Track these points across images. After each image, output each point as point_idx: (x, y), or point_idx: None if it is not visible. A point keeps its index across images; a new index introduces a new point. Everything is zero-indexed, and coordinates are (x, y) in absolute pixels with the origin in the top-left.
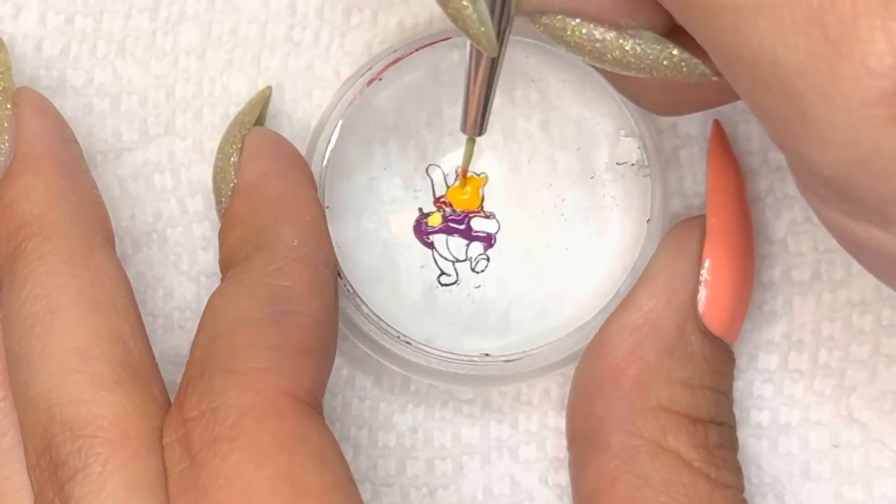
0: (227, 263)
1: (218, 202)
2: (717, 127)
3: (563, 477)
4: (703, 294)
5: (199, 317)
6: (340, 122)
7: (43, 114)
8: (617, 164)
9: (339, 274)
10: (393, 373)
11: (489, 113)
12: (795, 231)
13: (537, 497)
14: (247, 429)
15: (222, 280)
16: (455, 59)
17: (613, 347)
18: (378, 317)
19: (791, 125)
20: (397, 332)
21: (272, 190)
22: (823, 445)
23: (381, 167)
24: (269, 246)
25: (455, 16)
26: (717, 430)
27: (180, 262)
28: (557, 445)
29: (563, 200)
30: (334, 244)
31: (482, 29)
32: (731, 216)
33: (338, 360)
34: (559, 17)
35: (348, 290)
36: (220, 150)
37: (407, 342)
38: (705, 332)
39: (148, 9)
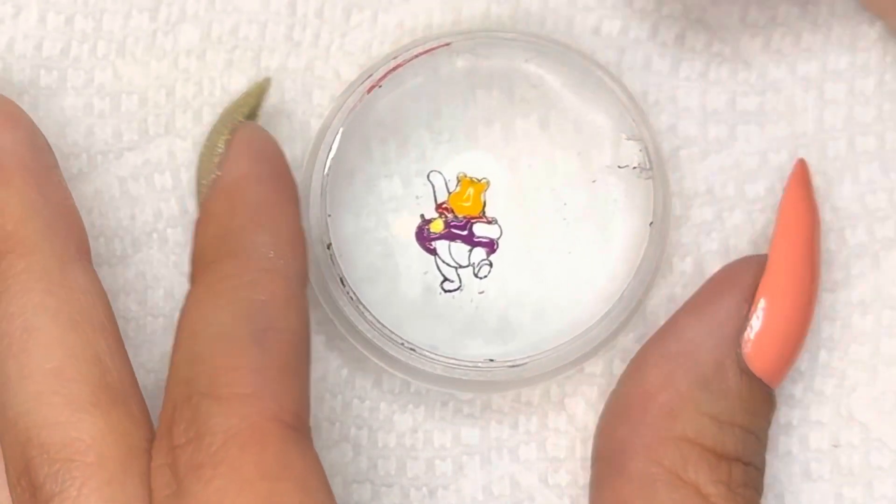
0: (199, 261)
1: (197, 191)
2: (802, 165)
3: (563, 477)
4: (750, 333)
5: None
6: (341, 130)
7: (13, 122)
8: (619, 167)
9: (341, 281)
10: (392, 373)
11: None
12: None
13: (537, 497)
14: (230, 455)
15: (192, 278)
16: (456, 64)
17: (647, 372)
18: (381, 323)
19: None
20: (401, 338)
21: (254, 193)
22: (823, 445)
23: (382, 174)
24: (244, 254)
25: None
26: (742, 468)
27: (181, 262)
28: (557, 445)
29: (564, 204)
30: (336, 250)
31: None
32: (798, 260)
33: (338, 361)
34: None
35: (351, 297)
36: (209, 138)
37: (411, 349)
38: (745, 371)
39: (148, 9)
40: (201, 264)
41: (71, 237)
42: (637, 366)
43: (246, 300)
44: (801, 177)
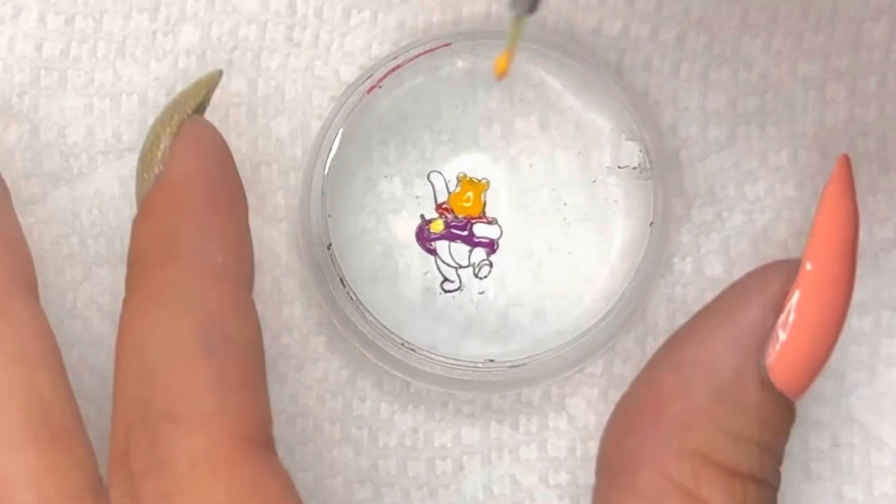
0: (138, 263)
1: (138, 185)
2: (844, 162)
3: (564, 477)
4: (776, 344)
5: None
6: (341, 131)
7: None
8: (619, 167)
9: (341, 281)
10: (392, 373)
11: None
12: (795, 232)
13: (538, 497)
14: (199, 482)
15: (129, 282)
16: (457, 64)
17: (661, 380)
18: (381, 324)
19: None
20: (401, 339)
21: (201, 193)
22: (823, 445)
23: (382, 174)
24: (191, 260)
25: None
26: (756, 486)
27: None
28: (558, 446)
29: (564, 205)
30: (336, 251)
31: None
32: (833, 268)
33: (338, 362)
34: None
35: (351, 298)
36: (153, 129)
37: (411, 349)
38: (766, 384)
39: (148, 9)
40: (141, 267)
41: (17, 270)
42: (650, 372)
43: (196, 309)
44: (844, 176)
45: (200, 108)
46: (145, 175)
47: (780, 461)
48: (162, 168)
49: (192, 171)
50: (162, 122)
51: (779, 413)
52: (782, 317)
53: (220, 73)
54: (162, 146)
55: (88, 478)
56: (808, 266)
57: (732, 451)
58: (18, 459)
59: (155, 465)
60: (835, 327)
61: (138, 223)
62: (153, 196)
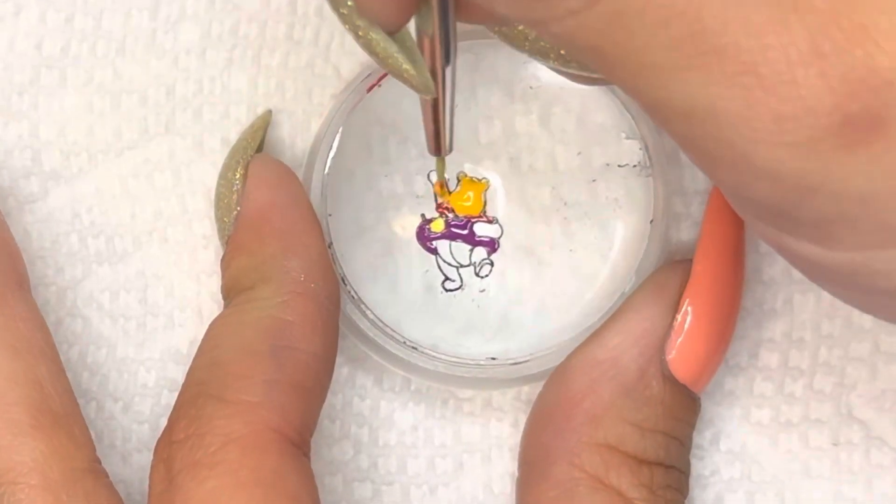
0: (231, 290)
1: (220, 228)
2: None
3: None
4: (675, 340)
5: (198, 316)
6: (341, 130)
7: None
8: (619, 166)
9: (342, 280)
10: (393, 371)
11: (452, 132)
12: None
13: None
14: (228, 458)
15: (225, 306)
16: (457, 62)
17: (573, 379)
18: (383, 322)
19: (731, 164)
20: (403, 337)
21: (279, 221)
22: (823, 443)
23: (382, 174)
24: (276, 278)
25: (381, 59)
26: (663, 471)
27: (180, 260)
28: None
29: (564, 204)
30: (336, 250)
31: (413, 72)
32: (721, 267)
33: (338, 359)
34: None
35: (353, 297)
36: (223, 176)
37: (413, 347)
38: (668, 378)
39: (148, 7)
40: (234, 292)
41: (9, 268)
42: (562, 372)
43: (273, 319)
44: None
45: (259, 147)
46: (225, 219)
47: (688, 449)
48: (239, 208)
49: (266, 205)
50: (229, 167)
51: (682, 404)
52: (679, 315)
53: (269, 114)
54: (235, 189)
55: (87, 459)
56: (699, 268)
57: (639, 441)
58: (24, 445)
59: (192, 435)
60: (727, 322)
61: (228, 260)
62: (237, 234)
